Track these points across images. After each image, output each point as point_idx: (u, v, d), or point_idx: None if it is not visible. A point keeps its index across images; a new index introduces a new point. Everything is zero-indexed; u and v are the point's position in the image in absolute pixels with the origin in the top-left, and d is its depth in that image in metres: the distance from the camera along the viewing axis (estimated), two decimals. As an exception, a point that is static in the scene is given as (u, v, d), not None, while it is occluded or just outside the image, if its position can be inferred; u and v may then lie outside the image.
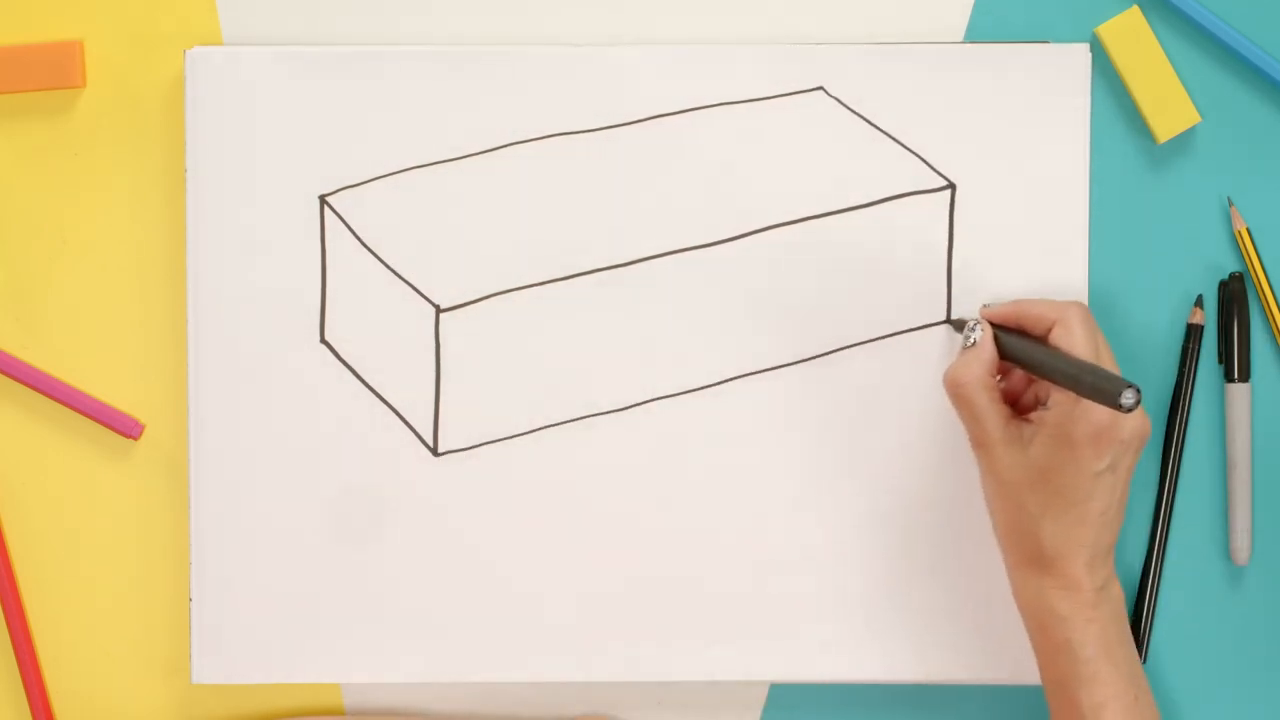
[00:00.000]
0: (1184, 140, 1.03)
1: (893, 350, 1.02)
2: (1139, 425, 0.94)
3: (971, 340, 0.96)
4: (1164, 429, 1.03)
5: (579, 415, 1.01)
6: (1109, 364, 0.96)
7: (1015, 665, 1.01)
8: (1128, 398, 0.87)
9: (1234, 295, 1.02)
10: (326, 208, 1.01)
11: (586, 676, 1.02)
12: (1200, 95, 1.03)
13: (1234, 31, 1.02)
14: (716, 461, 1.01)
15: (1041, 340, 0.96)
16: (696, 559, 1.01)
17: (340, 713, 1.03)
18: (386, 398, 1.01)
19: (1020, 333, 0.97)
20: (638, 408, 1.01)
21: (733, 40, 1.02)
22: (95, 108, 1.02)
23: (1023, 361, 0.95)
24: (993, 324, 0.97)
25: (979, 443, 0.95)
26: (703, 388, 1.02)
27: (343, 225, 1.00)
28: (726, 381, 1.01)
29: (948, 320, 1.02)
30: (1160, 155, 1.03)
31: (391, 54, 1.01)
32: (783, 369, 1.02)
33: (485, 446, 1.01)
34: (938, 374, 1.01)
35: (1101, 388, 0.89)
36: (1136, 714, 0.94)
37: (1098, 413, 0.92)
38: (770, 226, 1.01)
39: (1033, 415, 0.96)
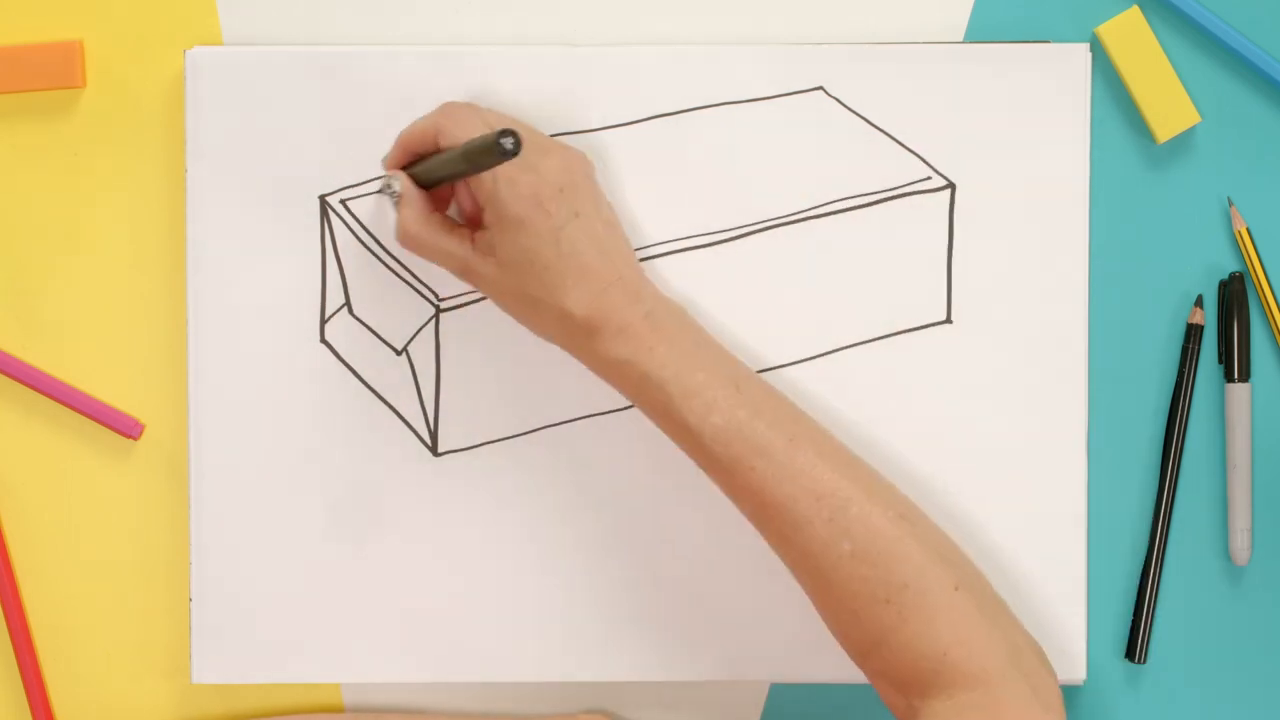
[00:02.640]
0: (1184, 140, 1.03)
1: (893, 350, 1.02)
2: (556, 163, 0.93)
3: (396, 194, 0.95)
4: (1164, 429, 1.03)
5: (579, 415, 1.01)
6: (498, 124, 0.94)
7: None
8: (506, 142, 0.84)
9: (1234, 295, 1.02)
10: (326, 208, 1.01)
11: (586, 676, 1.02)
12: (1200, 95, 1.02)
13: (1234, 31, 1.02)
14: (716, 461, 1.01)
15: (439, 151, 0.95)
16: (697, 558, 1.01)
17: (340, 712, 1.03)
18: (386, 398, 1.01)
19: (426, 156, 0.95)
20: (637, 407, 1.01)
21: (733, 40, 1.02)
22: (95, 108, 1.02)
23: (439, 179, 0.94)
24: (405, 168, 0.96)
25: (460, 274, 0.95)
26: (703, 388, 1.02)
27: (343, 225, 1.00)
28: (726, 381, 1.01)
29: (947, 320, 1.02)
30: (1160, 155, 1.03)
31: (392, 54, 1.01)
32: (782, 369, 1.02)
33: (485, 446, 1.01)
34: (938, 374, 1.01)
35: (486, 156, 0.86)
36: (742, 401, 0.93)
37: (520, 183, 0.91)
38: (770, 226, 1.01)
39: (483, 219, 0.94)
